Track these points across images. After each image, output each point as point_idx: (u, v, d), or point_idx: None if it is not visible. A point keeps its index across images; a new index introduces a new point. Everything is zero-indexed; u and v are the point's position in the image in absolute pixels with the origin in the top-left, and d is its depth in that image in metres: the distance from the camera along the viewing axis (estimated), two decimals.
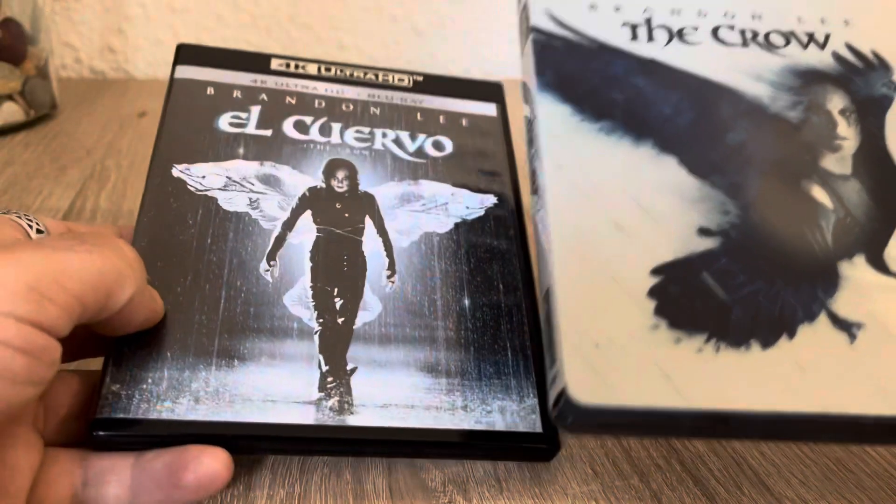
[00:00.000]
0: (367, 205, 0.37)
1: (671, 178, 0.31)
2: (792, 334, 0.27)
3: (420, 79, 0.43)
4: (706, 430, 0.26)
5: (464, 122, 0.42)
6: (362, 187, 0.38)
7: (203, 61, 0.41)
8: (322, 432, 0.29)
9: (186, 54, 0.41)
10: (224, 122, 0.38)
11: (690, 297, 0.28)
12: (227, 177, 0.36)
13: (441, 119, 0.42)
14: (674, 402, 0.25)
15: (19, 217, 0.29)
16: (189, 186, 0.35)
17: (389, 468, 0.31)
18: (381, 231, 0.36)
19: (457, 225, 0.38)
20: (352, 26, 0.91)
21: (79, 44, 0.86)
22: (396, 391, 0.31)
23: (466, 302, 0.35)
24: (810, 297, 0.28)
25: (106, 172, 0.63)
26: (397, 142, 0.40)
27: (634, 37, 0.35)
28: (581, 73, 0.34)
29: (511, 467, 0.31)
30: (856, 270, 0.29)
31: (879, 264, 0.29)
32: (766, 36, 0.36)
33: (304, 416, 0.30)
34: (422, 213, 0.38)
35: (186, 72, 0.40)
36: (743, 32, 0.36)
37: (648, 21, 0.36)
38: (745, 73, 0.34)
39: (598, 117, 0.32)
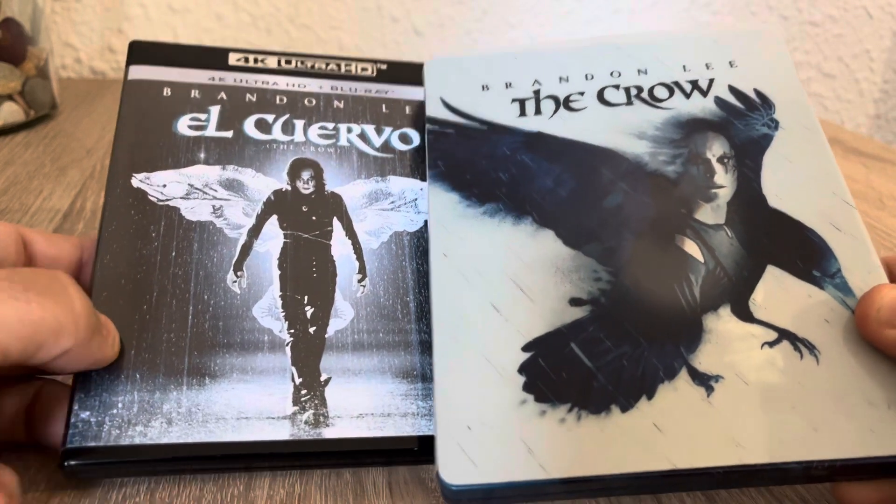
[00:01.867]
0: (335, 206, 0.36)
1: (548, 251, 0.32)
2: (651, 395, 0.29)
3: (384, 67, 0.42)
4: (573, 493, 0.28)
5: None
6: (329, 187, 0.37)
7: (158, 60, 0.39)
8: (298, 447, 0.30)
9: (140, 53, 0.39)
10: (183, 126, 0.37)
11: (557, 370, 0.29)
12: (188, 184, 0.35)
13: (407, 109, 0.41)
14: (536, 474, 0.27)
15: None
16: (150, 197, 0.35)
17: (389, 471, 0.31)
18: (350, 233, 0.36)
19: (427, 222, 0.36)
20: (352, 26, 0.91)
21: (79, 44, 0.87)
22: (372, 400, 0.31)
23: None
24: (673, 355, 0.29)
25: (106, 172, 0.64)
26: (363, 136, 0.39)
27: (523, 112, 0.37)
28: (469, 158, 0.36)
29: None
30: (720, 322, 0.30)
31: (744, 314, 0.30)
32: (651, 90, 0.37)
33: (279, 431, 0.30)
34: (391, 211, 0.37)
35: (141, 72, 0.39)
36: (628, 90, 0.37)
37: (537, 93, 0.38)
38: (628, 133, 0.36)
39: (482, 201, 0.34)
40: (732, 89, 0.37)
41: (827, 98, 1.18)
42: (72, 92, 0.81)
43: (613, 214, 0.34)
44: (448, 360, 0.30)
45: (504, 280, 0.32)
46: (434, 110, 0.38)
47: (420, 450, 0.31)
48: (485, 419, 0.28)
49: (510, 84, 0.38)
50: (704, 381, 0.29)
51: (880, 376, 0.28)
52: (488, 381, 0.29)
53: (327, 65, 0.41)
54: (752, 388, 0.29)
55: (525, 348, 0.30)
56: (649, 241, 0.33)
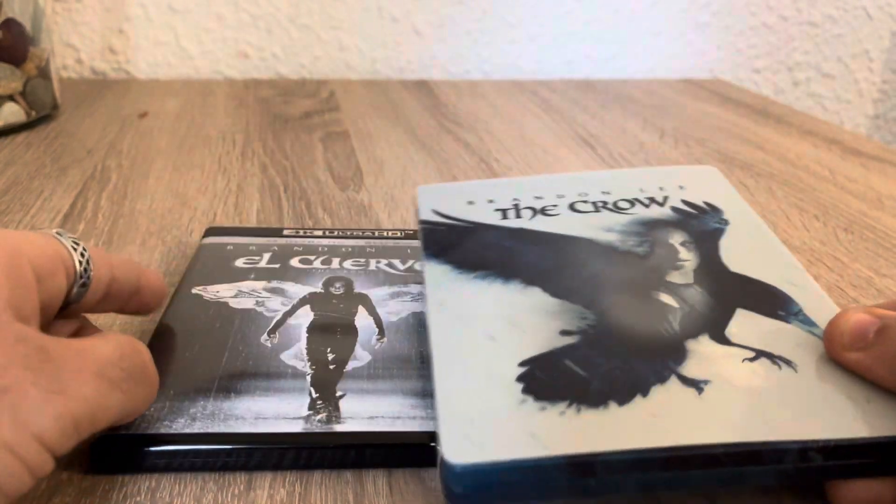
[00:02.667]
0: (361, 299, 0.42)
1: (536, 301, 0.36)
2: (645, 394, 0.30)
3: (412, 232, 0.50)
4: (578, 484, 0.28)
5: None
6: (357, 290, 0.43)
7: (225, 234, 0.49)
8: (310, 439, 0.31)
9: (212, 231, 0.49)
10: (239, 262, 0.45)
11: (553, 378, 0.31)
12: (238, 290, 0.42)
13: None
14: (539, 452, 0.28)
15: (62, 236, 0.31)
16: (205, 298, 0.41)
17: (390, 472, 0.32)
18: (373, 312, 0.41)
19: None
20: (351, 26, 0.92)
21: (80, 44, 0.87)
22: (383, 407, 0.33)
23: None
24: (661, 367, 0.32)
25: (107, 173, 0.64)
26: (390, 265, 0.45)
27: (505, 217, 0.43)
28: (460, 244, 0.40)
29: None
30: (701, 346, 0.33)
31: (722, 340, 0.33)
32: (615, 203, 0.43)
33: (294, 427, 0.32)
34: (410, 302, 0.42)
35: (211, 240, 0.48)
36: (595, 203, 0.43)
37: (516, 205, 0.43)
38: (598, 228, 0.41)
39: (473, 270, 0.38)
40: (685, 201, 0.43)
41: (826, 98, 1.18)
42: (73, 92, 0.81)
43: (593, 279, 0.37)
44: (448, 374, 0.31)
45: (498, 318, 0.34)
46: (426, 216, 0.43)
47: (427, 449, 0.31)
48: (486, 414, 0.29)
49: (492, 200, 0.44)
50: (694, 384, 0.31)
51: (855, 381, 0.31)
52: (488, 386, 0.31)
53: (363, 233, 0.50)
54: (740, 390, 0.30)
55: (522, 364, 0.32)
56: (629, 294, 0.36)
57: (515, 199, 0.44)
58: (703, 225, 0.41)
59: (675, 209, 0.42)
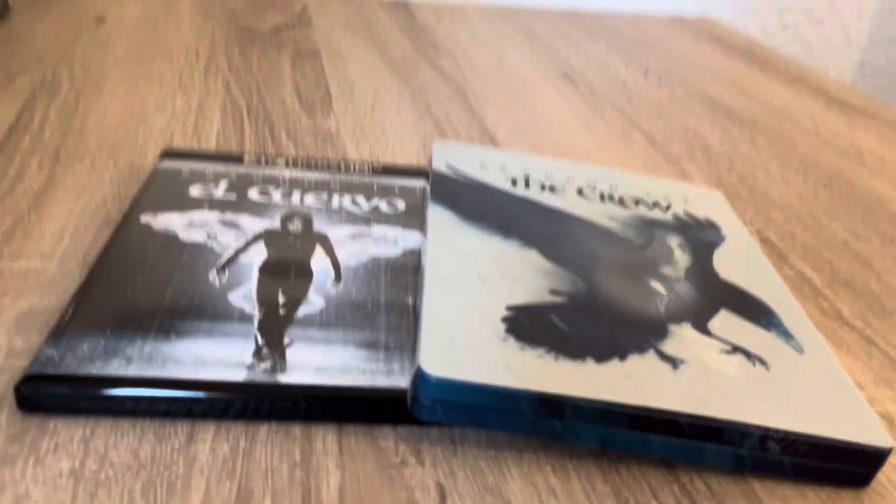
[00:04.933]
0: (319, 239, 0.39)
1: (532, 261, 0.36)
2: (623, 358, 0.31)
3: (380, 168, 0.47)
4: (543, 422, 0.28)
5: (418, 192, 0.45)
6: (316, 229, 0.40)
7: (182, 157, 0.45)
8: (252, 390, 0.29)
9: (168, 153, 0.46)
10: (193, 191, 0.42)
11: (537, 327, 0.31)
12: (190, 220, 0.39)
13: (396, 189, 0.45)
14: (512, 382, 0.28)
15: None
16: (153, 228, 0.38)
17: (340, 428, 0.30)
18: (330, 252, 0.38)
19: (405, 252, 0.39)
20: None
21: None
22: (332, 358, 0.31)
23: (410, 300, 0.35)
24: (642, 339, 0.32)
25: (58, 82, 0.60)
26: (353, 202, 0.43)
27: (514, 185, 0.43)
28: (466, 198, 0.41)
29: (468, 430, 0.31)
30: (682, 331, 0.33)
31: (703, 330, 0.34)
32: (620, 198, 0.44)
33: (235, 375, 0.30)
34: (371, 244, 0.40)
35: (166, 164, 0.45)
36: (601, 194, 0.44)
37: (527, 177, 0.45)
38: (602, 216, 0.42)
39: (475, 220, 0.39)
40: (687, 213, 0.44)
41: (813, 44, 1.16)
42: None
43: (590, 255, 0.38)
44: (437, 297, 0.31)
45: (492, 265, 0.35)
46: (439, 166, 0.44)
47: (373, 403, 0.30)
48: (468, 339, 0.29)
49: (504, 168, 0.45)
50: (671, 360, 0.31)
51: (824, 389, 0.31)
52: (473, 320, 0.31)
53: (328, 165, 0.47)
54: (714, 373, 0.31)
55: (509, 308, 0.32)
56: (621, 274, 0.37)
57: (526, 172, 0.45)
58: (701, 236, 0.42)
59: (676, 217, 0.43)
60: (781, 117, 0.69)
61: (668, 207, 0.44)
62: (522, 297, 0.33)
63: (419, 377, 0.28)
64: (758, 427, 0.29)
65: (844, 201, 0.54)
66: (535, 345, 0.30)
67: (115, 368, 0.29)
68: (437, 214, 0.39)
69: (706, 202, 0.46)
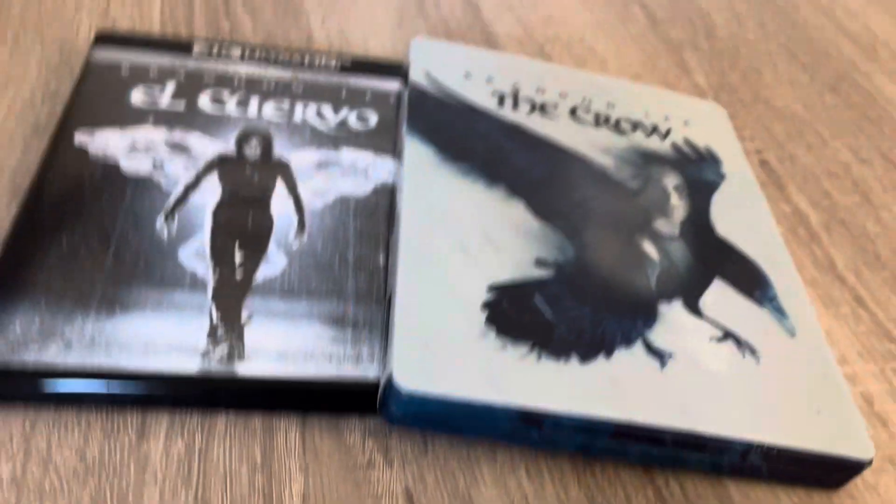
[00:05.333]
0: (280, 170, 0.35)
1: (517, 217, 0.33)
2: (609, 354, 0.29)
3: (348, 63, 0.41)
4: (521, 432, 0.27)
5: (391, 99, 0.40)
6: (277, 155, 0.35)
7: (121, 45, 0.39)
8: (206, 384, 0.27)
9: (104, 39, 0.39)
10: (135, 97, 0.36)
11: (520, 314, 0.29)
12: (133, 141, 0.34)
13: (368, 95, 0.40)
14: (490, 396, 0.26)
15: None
16: (91, 155, 0.33)
17: (304, 420, 0.28)
18: (293, 191, 0.34)
19: (376, 189, 0.35)
20: None
21: None
22: (295, 341, 0.29)
23: (381, 258, 0.32)
24: (630, 326, 0.30)
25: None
26: (319, 114, 0.38)
27: (501, 104, 0.39)
28: (448, 124, 0.36)
29: None
30: (672, 312, 0.31)
31: (694, 309, 0.31)
32: (617, 122, 0.40)
33: (188, 364, 0.27)
34: (339, 177, 0.35)
35: (102, 55, 0.38)
36: (597, 115, 0.40)
37: (515, 93, 0.40)
38: (595, 147, 0.38)
39: (457, 159, 0.34)
40: (687, 141, 0.40)
41: None
42: None
43: (580, 205, 0.35)
44: (410, 281, 0.28)
45: (474, 228, 0.31)
46: (417, 77, 0.39)
47: (340, 396, 0.28)
48: (444, 341, 0.27)
49: (491, 79, 0.40)
50: (658, 354, 0.29)
51: (812, 386, 0.30)
52: (450, 308, 0.28)
53: (291, 56, 0.41)
54: (701, 371, 0.29)
55: (490, 289, 0.29)
56: (611, 233, 0.34)
57: (515, 85, 0.40)
58: (700, 173, 0.39)
59: (675, 147, 0.40)
60: None
61: (667, 133, 0.40)
62: (505, 271, 0.30)
63: (390, 387, 0.26)
64: (741, 441, 0.27)
65: (850, 110, 0.51)
66: (516, 341, 0.28)
67: (54, 355, 0.26)
68: (413, 152, 0.34)
69: (706, 122, 0.42)
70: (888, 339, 0.36)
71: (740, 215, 0.37)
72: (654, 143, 0.39)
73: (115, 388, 0.26)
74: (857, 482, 0.30)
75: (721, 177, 0.39)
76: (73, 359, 0.27)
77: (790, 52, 0.55)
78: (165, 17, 0.45)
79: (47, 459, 0.26)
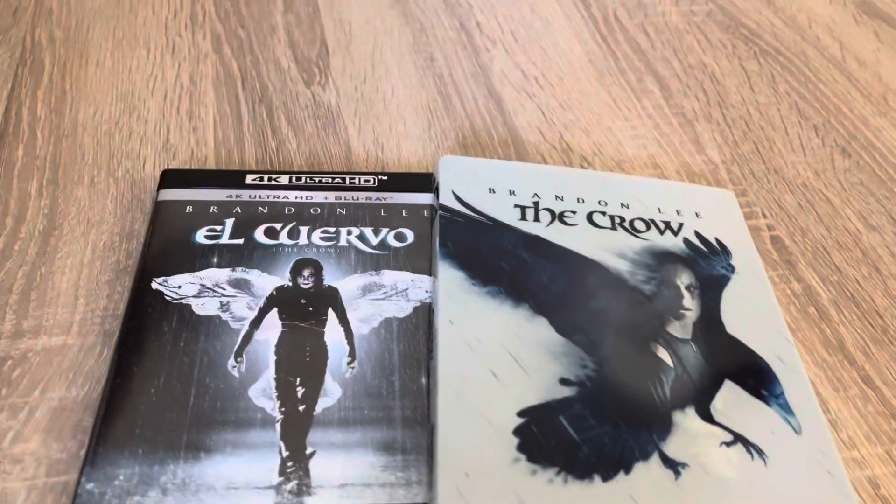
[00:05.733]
0: (331, 298, 0.40)
1: (542, 335, 0.37)
2: (628, 471, 0.32)
3: (385, 178, 0.46)
4: None
5: (425, 212, 0.44)
6: (327, 282, 0.40)
7: (185, 183, 0.44)
8: None
9: (170, 179, 0.45)
10: (200, 236, 0.42)
11: (548, 437, 0.33)
12: (200, 284, 0.39)
13: (403, 212, 0.45)
14: None
15: None
16: (166, 297, 0.39)
17: None
18: (343, 321, 0.39)
19: (416, 309, 0.39)
20: None
21: None
22: (353, 471, 0.33)
23: (423, 381, 0.36)
24: (646, 440, 0.34)
25: (38, 52, 0.57)
26: (361, 237, 0.43)
27: (523, 217, 0.43)
28: (475, 245, 0.41)
29: None
30: (686, 419, 0.35)
31: (706, 416, 0.35)
32: (632, 222, 0.44)
33: (265, 501, 0.32)
34: (382, 300, 0.40)
35: (169, 194, 0.44)
36: (612, 218, 0.44)
37: (536, 204, 0.44)
38: (612, 252, 0.42)
39: (485, 283, 0.39)
40: (698, 235, 0.44)
41: None
42: None
43: (598, 315, 0.38)
44: (450, 413, 0.33)
45: (502, 351, 0.36)
46: (446, 200, 0.43)
47: None
48: (482, 469, 0.32)
49: (513, 192, 0.44)
50: (673, 465, 0.33)
51: (816, 484, 0.34)
52: (486, 437, 0.33)
53: (333, 179, 0.46)
54: (712, 479, 0.33)
55: (520, 414, 0.34)
56: (628, 342, 0.37)
57: (536, 196, 0.44)
58: (711, 268, 0.42)
59: (687, 242, 0.43)
60: (807, 40, 0.65)
61: (679, 228, 0.44)
62: (533, 393, 0.35)
63: None
64: None
65: (861, 173, 0.53)
66: (545, 466, 0.32)
67: (154, 502, 0.31)
68: (447, 278, 0.39)
69: (717, 211, 0.46)
70: (895, 419, 0.39)
71: (749, 310, 0.40)
72: (668, 241, 0.43)
73: None
74: None
75: (731, 269, 0.42)
76: None
77: (801, 113, 0.58)
78: (219, 140, 0.51)
79: None
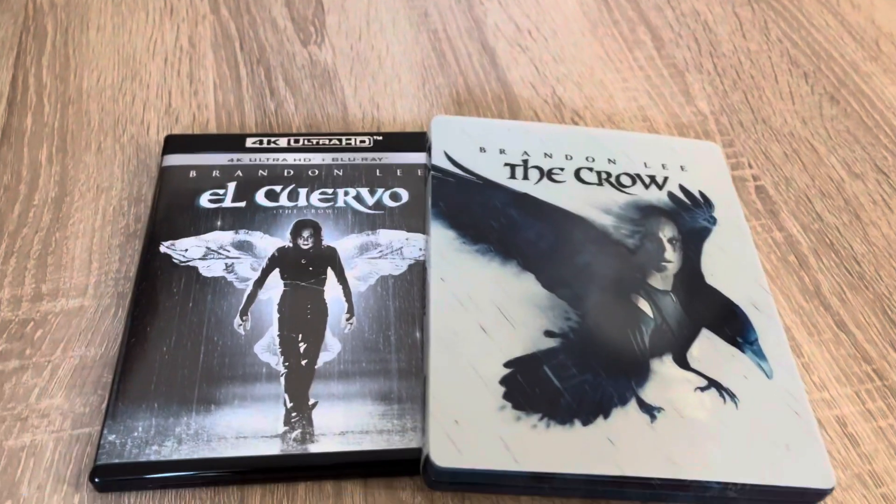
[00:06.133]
0: (329, 257, 0.42)
1: (528, 290, 0.39)
2: (607, 415, 0.35)
3: (380, 138, 0.48)
4: (535, 488, 0.34)
5: (419, 172, 0.46)
6: (325, 242, 0.42)
7: (186, 148, 0.46)
8: (287, 461, 0.35)
9: (173, 144, 0.47)
10: (204, 200, 0.44)
11: (532, 385, 0.35)
12: (206, 247, 0.42)
13: (398, 172, 0.46)
14: (510, 465, 0.33)
15: None
16: (174, 260, 0.41)
17: (365, 483, 0.36)
18: (342, 279, 0.41)
19: (410, 266, 0.41)
20: None
21: None
22: (353, 420, 0.36)
23: (417, 335, 0.38)
24: (625, 387, 0.36)
25: (41, 19, 0.58)
26: (357, 198, 0.45)
27: (513, 175, 0.45)
28: (466, 204, 0.43)
29: None
30: (663, 366, 0.37)
31: (682, 363, 0.37)
32: (618, 178, 0.45)
33: (271, 447, 0.35)
34: (378, 259, 0.42)
35: (173, 160, 0.46)
36: (599, 174, 0.45)
37: (525, 162, 0.45)
38: (598, 207, 0.44)
39: (475, 241, 0.41)
40: (682, 188, 0.46)
41: None
42: None
43: (583, 270, 0.40)
44: (441, 365, 0.36)
45: (491, 306, 0.38)
46: (438, 160, 0.45)
47: (392, 464, 0.35)
48: (470, 416, 0.34)
49: (503, 151, 0.46)
50: (649, 410, 0.35)
51: (784, 424, 0.36)
52: (474, 387, 0.35)
53: (330, 140, 0.48)
54: (686, 421, 0.35)
55: (506, 364, 0.36)
56: (610, 295, 0.39)
57: (525, 154, 0.46)
58: (693, 221, 0.44)
59: (671, 196, 0.45)
60: None
61: (664, 182, 0.46)
62: (519, 345, 0.37)
63: (428, 461, 0.33)
64: (718, 483, 0.34)
65: (848, 119, 0.54)
66: (529, 412, 0.35)
67: (170, 451, 0.34)
68: (438, 237, 0.41)
69: (702, 164, 0.47)
70: (865, 361, 0.41)
71: (728, 260, 0.42)
72: (653, 195, 0.45)
73: (218, 471, 0.34)
74: (827, 500, 0.36)
75: (713, 221, 0.44)
76: (185, 452, 0.34)
77: (792, 60, 0.58)
78: (219, 103, 0.52)
79: None
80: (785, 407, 0.37)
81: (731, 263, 0.42)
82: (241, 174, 0.45)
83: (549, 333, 0.38)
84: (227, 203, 0.44)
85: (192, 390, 0.36)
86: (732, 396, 0.37)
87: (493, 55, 0.57)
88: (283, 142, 0.48)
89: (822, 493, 0.35)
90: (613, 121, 0.53)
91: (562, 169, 0.45)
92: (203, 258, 0.41)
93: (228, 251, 0.42)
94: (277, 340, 0.38)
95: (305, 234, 0.43)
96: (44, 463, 0.35)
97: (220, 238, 0.42)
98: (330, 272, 0.41)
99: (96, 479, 0.34)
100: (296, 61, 0.56)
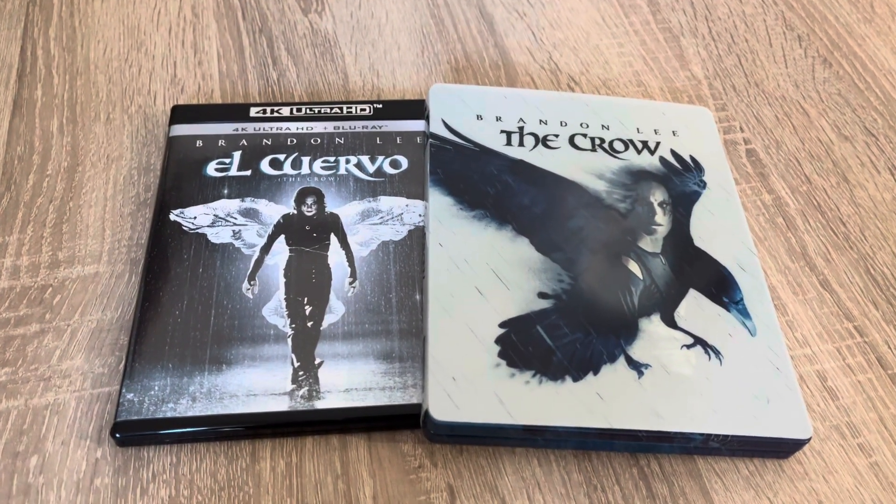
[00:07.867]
0: (333, 224, 0.44)
1: (523, 254, 0.41)
2: (597, 372, 0.37)
3: (380, 106, 0.50)
4: (529, 440, 0.36)
5: (418, 139, 0.47)
6: (328, 209, 0.44)
7: (192, 118, 0.48)
8: (295, 416, 0.37)
9: (179, 114, 0.48)
10: (211, 169, 0.46)
11: (525, 344, 0.37)
12: (214, 215, 0.43)
13: (398, 140, 0.48)
14: (504, 419, 0.35)
15: None
16: (184, 227, 0.43)
17: (370, 437, 0.38)
18: (345, 245, 0.43)
19: (410, 232, 0.43)
20: None
21: None
22: (357, 378, 0.38)
23: (417, 297, 0.40)
24: (614, 345, 0.38)
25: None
26: (359, 165, 0.46)
27: (509, 142, 0.46)
28: (463, 171, 0.44)
29: None
30: (651, 326, 0.39)
31: (670, 322, 0.39)
32: (611, 143, 0.47)
33: (280, 404, 0.37)
34: (380, 225, 0.43)
35: (180, 129, 0.48)
36: (593, 140, 0.47)
37: (521, 129, 0.47)
38: (591, 173, 0.45)
39: (472, 207, 0.43)
40: (674, 153, 0.47)
41: None
42: None
43: (575, 233, 0.42)
44: (439, 326, 0.38)
45: (487, 269, 0.40)
46: (436, 128, 0.47)
47: (394, 418, 0.37)
48: (466, 373, 0.36)
49: (500, 118, 0.48)
50: (637, 366, 0.37)
51: (765, 379, 0.38)
52: (471, 346, 0.37)
53: (331, 109, 0.49)
54: (671, 377, 0.37)
55: (501, 325, 0.38)
56: (602, 257, 0.41)
57: (521, 121, 0.47)
58: (683, 185, 0.45)
59: (663, 160, 0.46)
60: None
61: (655, 147, 0.47)
62: (513, 306, 0.39)
63: (427, 415, 0.35)
64: (701, 434, 0.36)
65: (840, 83, 0.55)
66: (522, 370, 0.37)
67: (185, 408, 0.37)
68: (436, 203, 0.43)
69: (693, 128, 0.49)
70: (847, 318, 0.43)
71: (717, 223, 0.44)
72: (645, 160, 0.46)
73: (231, 427, 0.37)
74: (805, 450, 0.38)
75: (703, 185, 0.45)
76: (199, 409, 0.37)
77: (787, 22, 0.59)
78: (223, 73, 0.54)
79: (191, 482, 0.36)
80: (767, 363, 0.38)
81: (720, 226, 0.43)
82: (245, 143, 0.47)
83: (542, 295, 0.39)
84: (233, 172, 0.46)
85: (204, 351, 0.38)
86: (717, 353, 0.38)
87: (490, 21, 0.58)
88: (285, 111, 0.49)
89: (800, 443, 0.37)
90: (609, 86, 0.54)
91: (556, 135, 0.47)
92: (211, 225, 0.43)
93: (235, 218, 0.44)
94: (284, 304, 0.40)
95: (309, 201, 0.45)
96: (67, 420, 0.38)
97: (228, 206, 0.44)
98: (333, 238, 0.43)
99: (117, 435, 0.36)
100: (297, 30, 0.57)
